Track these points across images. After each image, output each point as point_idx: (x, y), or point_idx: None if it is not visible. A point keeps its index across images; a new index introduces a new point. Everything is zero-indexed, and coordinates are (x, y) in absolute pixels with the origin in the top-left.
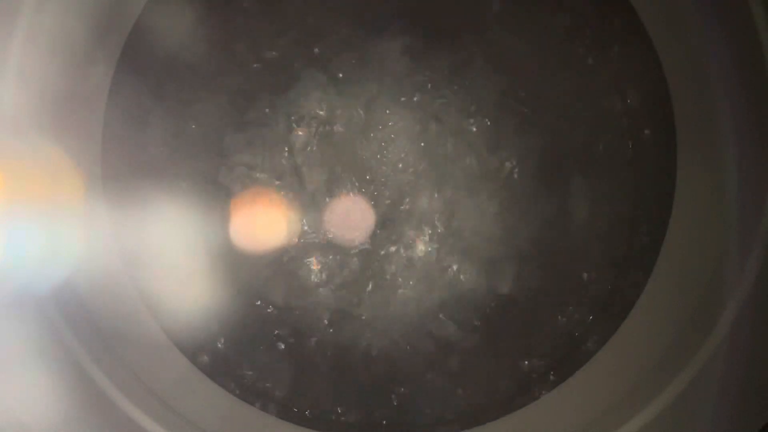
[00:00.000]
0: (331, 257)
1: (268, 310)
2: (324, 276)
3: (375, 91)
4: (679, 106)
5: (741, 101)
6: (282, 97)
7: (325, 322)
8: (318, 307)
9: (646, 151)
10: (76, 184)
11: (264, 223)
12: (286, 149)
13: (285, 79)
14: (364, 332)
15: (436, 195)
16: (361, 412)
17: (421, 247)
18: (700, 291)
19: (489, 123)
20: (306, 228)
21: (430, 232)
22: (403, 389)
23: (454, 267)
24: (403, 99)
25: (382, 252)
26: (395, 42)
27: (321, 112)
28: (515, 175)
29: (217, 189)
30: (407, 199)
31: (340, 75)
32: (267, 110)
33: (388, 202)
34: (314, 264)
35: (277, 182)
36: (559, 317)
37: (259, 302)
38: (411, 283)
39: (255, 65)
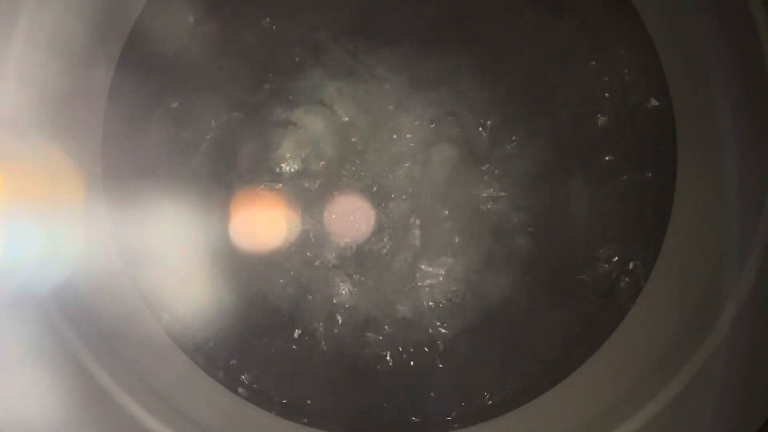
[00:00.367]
0: (331, 256)
1: (268, 309)
2: (325, 274)
3: (376, 91)
4: (679, 106)
5: (741, 101)
6: (282, 97)
7: (326, 319)
8: (319, 305)
9: (646, 151)
10: (76, 184)
11: (264, 222)
12: (286, 149)
13: (285, 78)
14: (365, 331)
15: (435, 195)
16: (361, 411)
17: (420, 247)
18: (700, 291)
19: (488, 123)
20: (306, 227)
21: (428, 231)
22: (403, 390)
23: (453, 267)
24: (403, 99)
25: (382, 250)
26: (395, 43)
27: (322, 112)
28: (514, 175)
29: (217, 189)
30: (406, 198)
31: (342, 75)
32: (267, 110)
33: (388, 201)
34: (314, 262)
35: (277, 182)
36: (559, 317)
37: (259, 301)
38: (412, 281)
39: (255, 65)
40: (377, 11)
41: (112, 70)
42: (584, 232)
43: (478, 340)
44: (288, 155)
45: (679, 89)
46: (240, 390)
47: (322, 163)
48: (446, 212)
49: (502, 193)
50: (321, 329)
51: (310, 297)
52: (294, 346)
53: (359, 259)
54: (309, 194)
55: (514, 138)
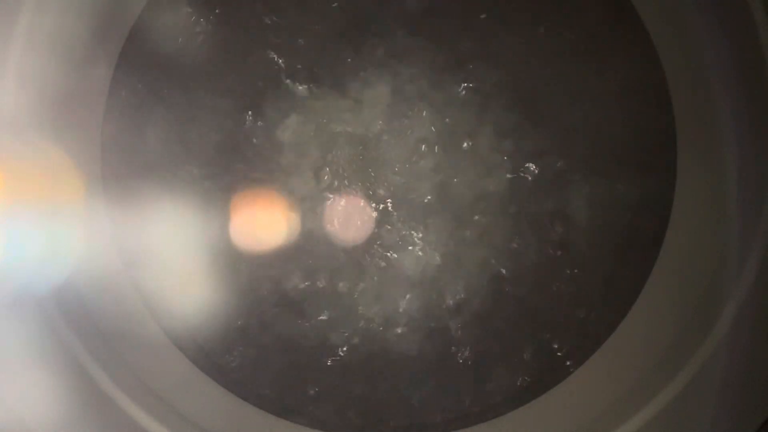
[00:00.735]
0: (332, 256)
1: (268, 309)
2: (325, 275)
3: (378, 91)
4: (679, 106)
5: (741, 101)
6: (282, 97)
7: (327, 320)
8: (319, 305)
9: (646, 151)
10: (76, 184)
11: (264, 222)
12: (287, 149)
13: (285, 78)
14: (365, 331)
15: (434, 194)
16: (362, 411)
17: (420, 246)
18: (700, 291)
19: (487, 122)
20: (307, 227)
21: (426, 231)
22: (404, 390)
23: (453, 267)
24: (403, 98)
25: (383, 249)
26: (396, 44)
27: (323, 112)
28: (514, 175)
29: (217, 188)
30: (408, 197)
31: (343, 75)
32: (267, 110)
33: (388, 200)
34: (315, 263)
35: (277, 181)
36: (559, 317)
37: (259, 301)
38: (412, 282)
39: (255, 65)
40: (376, 9)
41: (111, 70)
42: (584, 231)
43: (477, 341)
44: (289, 155)
45: (679, 89)
46: (239, 391)
47: (324, 162)
48: (443, 212)
49: (501, 194)
50: (322, 329)
51: (311, 297)
52: (294, 347)
53: (360, 260)
54: (310, 194)
55: (509, 138)
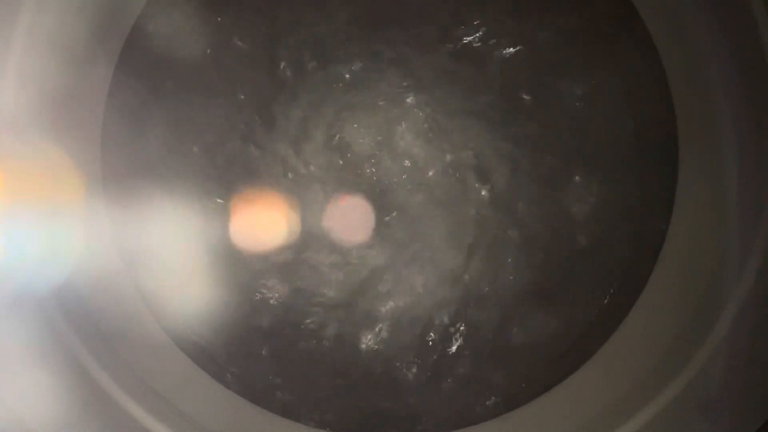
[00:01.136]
0: (332, 256)
1: (269, 309)
2: (326, 275)
3: (379, 91)
4: (680, 106)
5: (742, 101)
6: (283, 97)
7: (328, 320)
8: (320, 305)
9: (646, 152)
10: (76, 184)
11: (264, 222)
12: (287, 149)
13: (286, 78)
14: (367, 331)
15: (433, 195)
16: (363, 411)
17: (419, 245)
18: (700, 291)
19: (486, 122)
20: (307, 227)
21: (424, 232)
22: (404, 391)
23: (452, 267)
24: (402, 98)
25: (383, 250)
26: (396, 45)
27: (323, 112)
28: (514, 175)
29: (218, 189)
30: (406, 197)
31: (345, 74)
32: (267, 110)
33: (388, 201)
34: (316, 263)
35: (278, 181)
36: (559, 317)
37: (260, 301)
38: (413, 284)
39: (255, 65)
40: (380, 15)
41: (111, 70)
42: (584, 232)
43: (477, 341)
44: (290, 154)
45: (680, 89)
46: (241, 390)
47: (326, 162)
48: (440, 214)
49: (500, 194)
50: (323, 329)
51: (312, 297)
52: (295, 346)
53: (362, 259)
54: (311, 194)
55: (508, 138)
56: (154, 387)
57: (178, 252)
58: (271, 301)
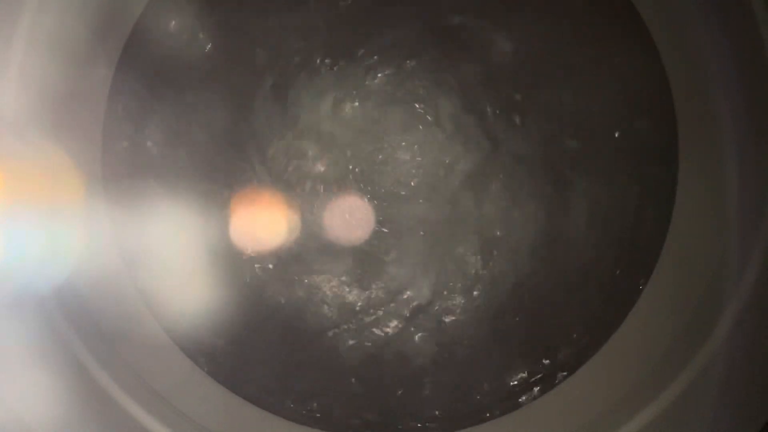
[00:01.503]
0: (332, 256)
1: (269, 309)
2: (326, 274)
3: (381, 91)
4: (680, 106)
5: (742, 101)
6: (283, 97)
7: (328, 320)
8: (320, 305)
9: (646, 152)
10: (76, 184)
11: (264, 222)
12: (287, 149)
13: (287, 78)
14: (368, 332)
15: (433, 194)
16: (363, 411)
17: (420, 253)
18: (700, 292)
19: (486, 122)
20: (308, 227)
21: (423, 233)
22: (404, 391)
23: (451, 267)
24: (403, 98)
25: (383, 250)
26: (396, 45)
27: (323, 112)
28: (514, 176)
29: (218, 188)
30: (406, 197)
31: (345, 75)
32: (267, 110)
33: (388, 201)
34: (316, 263)
35: (278, 181)
36: (559, 317)
37: (259, 301)
38: (414, 284)
39: (256, 64)
40: (381, 15)
41: (112, 70)
42: (585, 233)
43: (478, 342)
44: (289, 155)
45: (680, 89)
46: (240, 390)
47: (324, 162)
48: (442, 216)
49: (500, 194)
50: (323, 330)
51: (312, 297)
52: (295, 347)
53: (361, 260)
54: (310, 194)
55: (508, 139)
56: (154, 386)
57: (178, 252)
58: (272, 302)
